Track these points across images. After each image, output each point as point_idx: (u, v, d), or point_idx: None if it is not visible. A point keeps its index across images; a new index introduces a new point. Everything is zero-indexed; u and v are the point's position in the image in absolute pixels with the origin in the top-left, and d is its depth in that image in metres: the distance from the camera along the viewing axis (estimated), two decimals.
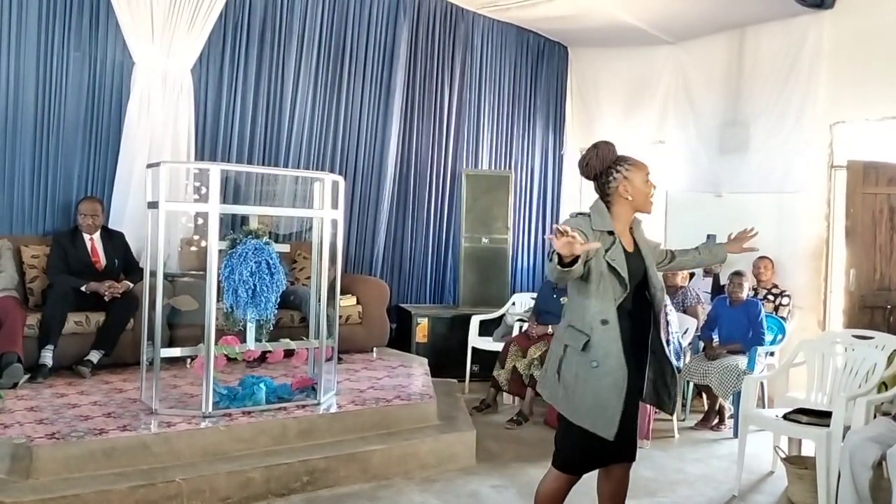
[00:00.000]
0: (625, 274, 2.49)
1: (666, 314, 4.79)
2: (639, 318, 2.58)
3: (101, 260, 4.87)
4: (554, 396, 2.60)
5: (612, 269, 2.48)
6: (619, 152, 2.66)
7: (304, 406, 4.01)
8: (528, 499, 3.64)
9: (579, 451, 2.56)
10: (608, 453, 2.57)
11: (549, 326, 5.43)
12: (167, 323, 4.63)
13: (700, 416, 5.34)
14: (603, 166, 2.61)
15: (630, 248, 2.60)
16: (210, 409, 3.73)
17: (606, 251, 2.49)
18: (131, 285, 4.69)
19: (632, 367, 2.50)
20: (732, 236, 3.09)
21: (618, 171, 2.60)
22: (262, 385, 4.00)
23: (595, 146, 2.65)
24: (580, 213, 2.59)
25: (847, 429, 3.50)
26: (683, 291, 5.76)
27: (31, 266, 4.86)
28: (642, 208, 2.63)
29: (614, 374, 2.46)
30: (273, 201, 5.71)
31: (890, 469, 3.08)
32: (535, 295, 6.08)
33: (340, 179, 4.28)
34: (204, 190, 3.91)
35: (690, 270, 6.08)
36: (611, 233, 2.53)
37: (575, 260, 2.29)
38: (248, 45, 5.89)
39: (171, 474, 3.32)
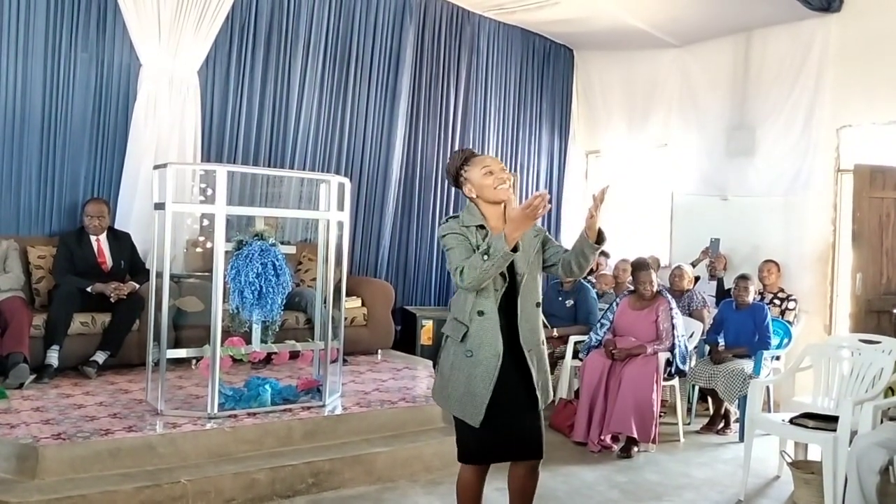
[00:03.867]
0: None
1: (672, 316, 4.79)
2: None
3: (108, 261, 4.88)
4: (433, 389, 2.70)
5: None
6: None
7: (309, 408, 4.02)
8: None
9: (472, 440, 2.59)
10: (508, 448, 2.62)
11: (554, 329, 5.43)
12: (173, 324, 4.63)
13: (705, 420, 5.32)
14: (454, 177, 2.69)
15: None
16: (215, 410, 3.74)
17: (480, 247, 2.50)
18: (137, 286, 4.70)
19: (511, 361, 2.55)
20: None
21: (461, 176, 2.65)
22: (267, 386, 4.01)
23: (449, 158, 2.72)
24: (451, 217, 2.64)
25: (854, 433, 3.48)
26: (689, 295, 5.74)
27: (38, 267, 4.88)
28: (490, 198, 2.61)
29: (486, 364, 2.52)
30: (279, 203, 5.71)
31: None
32: None
33: (346, 181, 4.28)
34: (210, 191, 3.92)
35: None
36: (481, 227, 2.58)
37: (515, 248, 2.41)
38: (255, 47, 5.90)
39: (176, 475, 3.33)
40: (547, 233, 2.77)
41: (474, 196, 2.64)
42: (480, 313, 2.54)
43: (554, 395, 5.31)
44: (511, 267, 2.56)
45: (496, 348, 2.53)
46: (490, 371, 2.52)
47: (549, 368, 2.73)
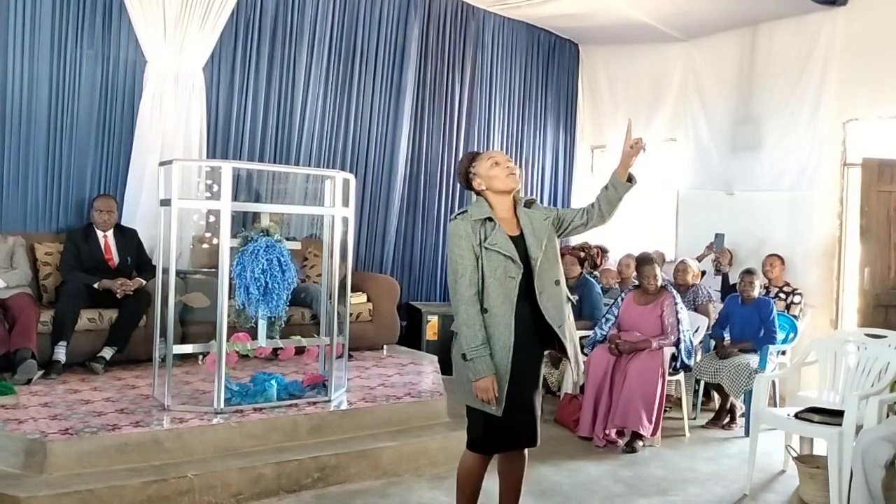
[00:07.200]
0: (512, 253, 2.65)
1: (677, 311, 4.79)
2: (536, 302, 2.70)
3: (115, 257, 4.90)
4: (454, 383, 2.78)
5: (499, 253, 2.64)
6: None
7: (315, 403, 4.03)
8: (537, 496, 3.66)
9: (483, 431, 2.71)
10: (511, 437, 2.74)
11: None
12: (179, 320, 4.65)
13: (711, 415, 5.32)
14: (464, 177, 2.84)
15: (515, 233, 2.73)
16: (222, 405, 3.75)
17: (486, 239, 2.65)
18: (144, 282, 4.72)
19: (525, 350, 2.66)
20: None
21: (470, 174, 2.80)
22: (273, 382, 4.02)
23: (458, 163, 2.90)
24: (460, 213, 2.74)
25: (859, 428, 3.48)
26: (695, 290, 5.74)
27: (45, 263, 4.90)
28: (500, 188, 2.75)
29: (498, 356, 2.62)
30: (285, 199, 5.72)
31: None
32: None
33: (351, 177, 4.29)
34: (216, 188, 3.93)
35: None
36: (490, 220, 2.69)
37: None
38: (260, 43, 5.91)
39: (183, 470, 3.35)
40: (560, 209, 2.90)
41: (484, 188, 2.77)
42: (485, 311, 2.63)
43: (559, 390, 5.36)
44: (525, 252, 2.69)
45: (507, 342, 2.61)
46: (503, 363, 2.61)
47: (578, 341, 2.86)
